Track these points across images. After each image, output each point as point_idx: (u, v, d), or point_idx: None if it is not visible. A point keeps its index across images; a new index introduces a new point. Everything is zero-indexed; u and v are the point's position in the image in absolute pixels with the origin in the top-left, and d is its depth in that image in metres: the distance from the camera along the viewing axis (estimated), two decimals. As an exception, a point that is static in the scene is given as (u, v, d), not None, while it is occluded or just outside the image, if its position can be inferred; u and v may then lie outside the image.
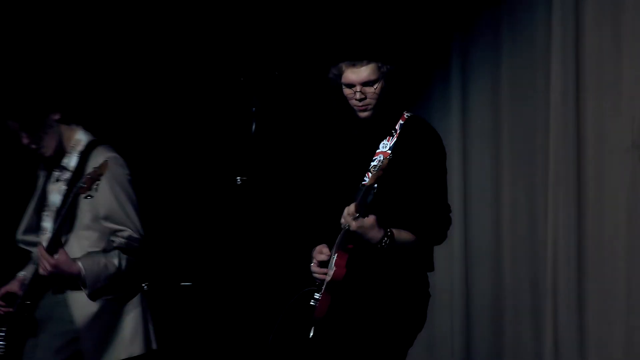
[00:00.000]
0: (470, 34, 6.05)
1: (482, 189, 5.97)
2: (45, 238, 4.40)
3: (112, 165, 4.29)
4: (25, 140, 4.38)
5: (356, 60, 4.03)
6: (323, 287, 3.97)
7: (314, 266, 4.06)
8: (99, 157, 4.33)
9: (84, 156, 4.41)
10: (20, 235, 4.55)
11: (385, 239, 3.85)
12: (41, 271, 4.27)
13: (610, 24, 5.26)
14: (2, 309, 4.48)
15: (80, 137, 4.46)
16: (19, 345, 4.37)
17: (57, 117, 4.39)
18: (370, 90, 4.03)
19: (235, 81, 4.00)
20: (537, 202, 5.63)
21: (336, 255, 3.94)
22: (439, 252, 5.83)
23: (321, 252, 4.06)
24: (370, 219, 3.83)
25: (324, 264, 4.03)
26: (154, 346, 4.47)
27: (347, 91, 4.04)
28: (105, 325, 4.36)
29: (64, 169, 4.43)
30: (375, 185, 3.79)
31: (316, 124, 4.31)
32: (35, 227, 4.53)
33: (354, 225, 3.82)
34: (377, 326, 3.95)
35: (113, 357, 4.37)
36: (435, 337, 6.11)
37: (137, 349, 4.40)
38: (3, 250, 4.89)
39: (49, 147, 4.40)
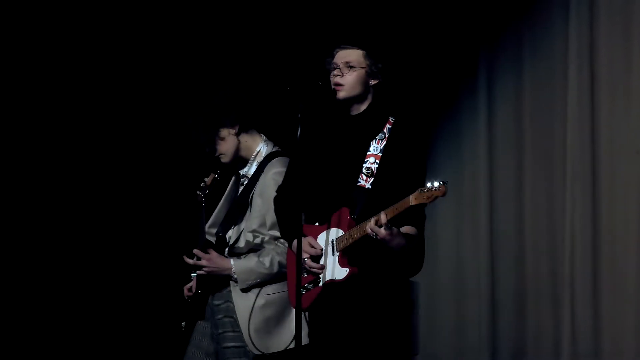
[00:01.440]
0: (495, 48, 6.11)
1: (506, 188, 6.04)
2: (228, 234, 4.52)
3: (272, 178, 4.38)
4: (206, 149, 4.54)
5: (346, 44, 4.14)
6: (320, 283, 4.02)
7: (308, 260, 4.05)
8: (269, 171, 4.44)
9: (261, 166, 4.51)
10: (207, 228, 4.60)
11: (407, 246, 3.90)
12: (195, 272, 4.43)
13: (622, 36, 5.39)
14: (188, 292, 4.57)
15: (260, 148, 4.55)
16: (190, 330, 4.52)
17: (233, 130, 4.50)
18: (347, 71, 4.06)
19: (284, 90, 4.04)
20: (556, 199, 5.72)
21: (337, 256, 3.99)
22: (468, 245, 6.07)
23: (312, 245, 4.07)
24: (397, 229, 3.85)
25: (315, 258, 4.06)
26: (306, 340, 4.33)
27: (332, 74, 4.10)
28: (264, 318, 4.38)
29: (244, 176, 4.57)
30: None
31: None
32: (218, 223, 4.59)
33: (383, 233, 3.82)
34: (371, 325, 3.98)
35: (278, 347, 4.39)
36: (464, 324, 6.21)
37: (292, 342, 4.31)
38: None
39: (226, 155, 4.52)
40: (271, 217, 4.38)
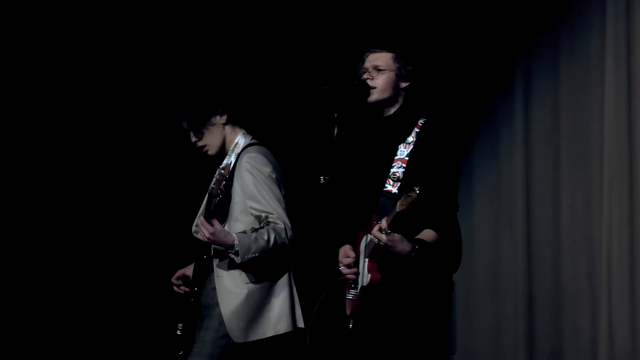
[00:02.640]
0: (532, 48, 6.08)
1: (543, 189, 6.01)
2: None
3: (246, 162, 4.39)
4: (192, 139, 4.54)
5: (375, 48, 4.14)
6: (358, 289, 4.03)
7: (343, 268, 4.11)
8: (242, 158, 4.45)
9: (239, 158, 4.50)
10: (194, 227, 4.59)
11: (414, 252, 3.88)
12: (200, 236, 4.36)
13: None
14: (181, 288, 4.57)
15: (238, 140, 4.57)
16: (191, 329, 4.47)
17: (222, 119, 4.53)
18: (377, 74, 4.06)
19: (321, 90, 4.08)
20: (593, 200, 5.69)
21: (367, 261, 4.00)
22: (505, 245, 6.05)
23: (347, 255, 4.11)
24: (398, 235, 3.85)
25: (355, 264, 4.08)
26: (300, 324, 4.48)
27: (363, 77, 4.09)
28: (252, 306, 4.39)
29: (223, 169, 4.51)
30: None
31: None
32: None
33: (385, 239, 3.84)
34: (409, 326, 3.98)
35: (258, 335, 4.40)
36: (500, 322, 6.18)
37: (283, 327, 4.43)
38: (182, 244, 4.94)
39: (212, 146, 4.55)
40: (254, 201, 4.39)
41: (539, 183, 6.08)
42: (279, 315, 4.44)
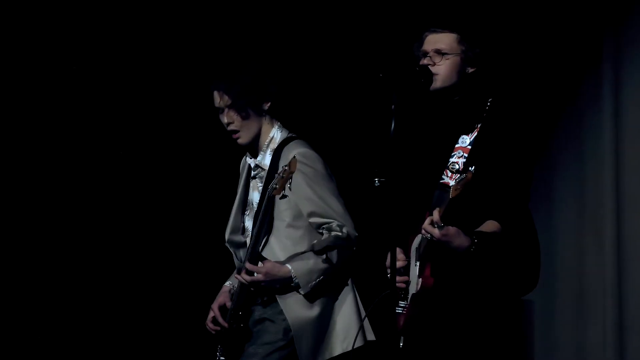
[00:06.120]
0: (622, 31, 5.78)
1: (636, 193, 5.69)
2: (248, 240, 4.39)
3: (301, 160, 4.20)
4: (225, 119, 4.33)
5: (437, 27, 3.96)
6: (409, 298, 3.89)
7: (392, 276, 3.85)
8: (289, 154, 4.24)
9: (277, 153, 4.32)
10: (228, 236, 4.48)
11: (473, 246, 3.73)
12: (253, 288, 4.25)
13: None
14: (215, 326, 4.42)
15: (274, 134, 4.37)
16: (237, 355, 4.35)
17: (266, 106, 4.33)
18: (439, 60, 3.91)
19: (375, 78, 3.88)
20: None
21: (418, 265, 3.84)
22: (591, 260, 5.83)
23: (397, 259, 3.90)
24: (453, 228, 3.71)
25: (400, 272, 3.92)
26: (370, 337, 4.34)
27: (422, 62, 3.96)
28: (321, 328, 4.27)
29: (258, 167, 4.39)
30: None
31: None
32: (239, 227, 4.49)
33: (438, 234, 3.69)
34: (466, 342, 3.82)
35: (326, 355, 4.28)
36: (586, 348, 5.87)
37: (349, 343, 4.28)
38: (213, 252, 4.93)
39: (248, 133, 4.33)
40: (309, 203, 4.26)
41: (631, 186, 5.73)
42: (346, 329, 4.30)
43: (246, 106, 4.29)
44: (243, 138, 4.33)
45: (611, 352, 5.68)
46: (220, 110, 4.33)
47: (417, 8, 5.76)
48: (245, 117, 4.31)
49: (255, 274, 4.19)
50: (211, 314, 4.41)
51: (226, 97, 4.29)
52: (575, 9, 5.89)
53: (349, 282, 4.37)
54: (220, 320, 4.36)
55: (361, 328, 4.22)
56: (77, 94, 6.08)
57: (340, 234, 4.25)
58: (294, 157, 4.14)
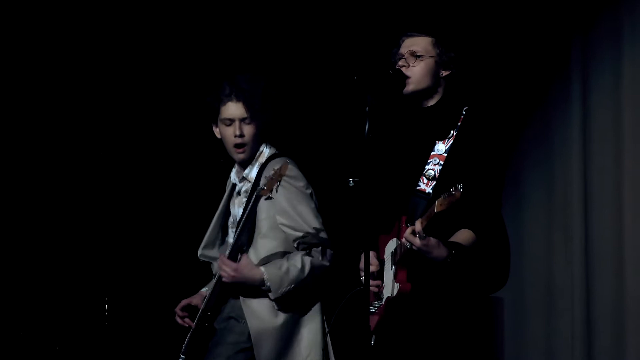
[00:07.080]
0: (591, 32, 5.83)
1: (603, 191, 5.73)
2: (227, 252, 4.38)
3: (290, 170, 4.25)
4: (238, 131, 4.30)
5: (414, 32, 3.97)
6: (383, 300, 3.88)
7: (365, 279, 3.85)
8: (275, 165, 4.25)
9: (262, 167, 4.34)
10: (201, 250, 4.51)
11: (450, 257, 3.73)
12: (224, 278, 4.23)
13: None
14: (185, 320, 4.43)
15: (263, 149, 4.40)
16: (202, 354, 4.33)
17: (268, 121, 4.38)
18: (413, 61, 3.92)
19: (350, 80, 3.89)
20: None
21: (394, 269, 3.83)
22: (559, 256, 5.88)
23: (370, 262, 3.89)
24: (434, 239, 3.70)
25: (380, 273, 3.93)
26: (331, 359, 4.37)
27: (397, 65, 3.96)
28: (283, 338, 4.28)
29: (244, 179, 4.39)
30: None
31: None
32: (214, 243, 4.50)
33: (419, 243, 3.68)
34: (437, 340, 3.84)
35: None
36: (555, 344, 5.91)
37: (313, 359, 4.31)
38: (188, 266, 4.93)
39: (253, 147, 4.35)
40: (286, 217, 4.27)
41: (598, 184, 5.78)
42: (309, 346, 4.31)
43: (262, 124, 4.33)
44: (247, 153, 4.36)
45: (579, 346, 5.75)
46: (230, 122, 4.31)
47: (392, 11, 5.78)
48: (256, 134, 4.34)
49: (229, 268, 4.21)
50: (181, 304, 4.46)
51: (243, 110, 4.29)
52: (543, 13, 5.93)
53: (317, 305, 4.36)
54: (187, 320, 4.40)
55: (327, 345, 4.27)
56: (77, 94, 6.07)
57: (315, 248, 4.28)
58: (286, 161, 4.20)
